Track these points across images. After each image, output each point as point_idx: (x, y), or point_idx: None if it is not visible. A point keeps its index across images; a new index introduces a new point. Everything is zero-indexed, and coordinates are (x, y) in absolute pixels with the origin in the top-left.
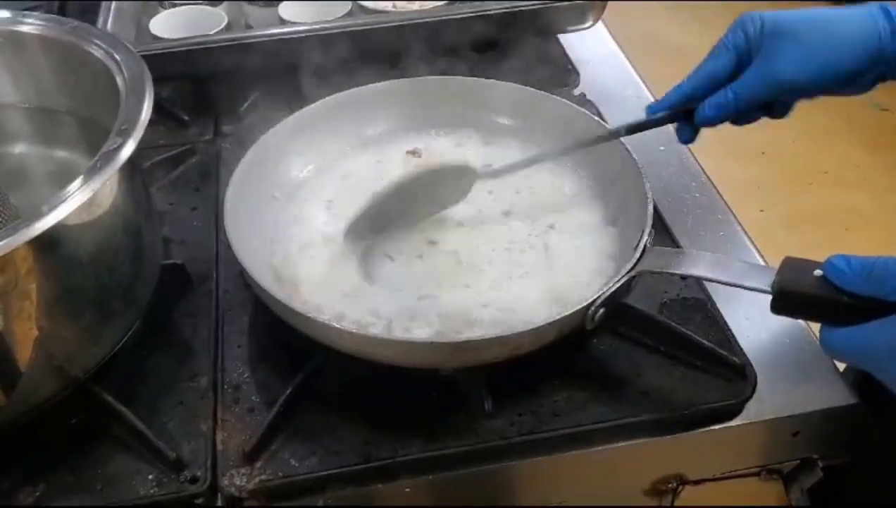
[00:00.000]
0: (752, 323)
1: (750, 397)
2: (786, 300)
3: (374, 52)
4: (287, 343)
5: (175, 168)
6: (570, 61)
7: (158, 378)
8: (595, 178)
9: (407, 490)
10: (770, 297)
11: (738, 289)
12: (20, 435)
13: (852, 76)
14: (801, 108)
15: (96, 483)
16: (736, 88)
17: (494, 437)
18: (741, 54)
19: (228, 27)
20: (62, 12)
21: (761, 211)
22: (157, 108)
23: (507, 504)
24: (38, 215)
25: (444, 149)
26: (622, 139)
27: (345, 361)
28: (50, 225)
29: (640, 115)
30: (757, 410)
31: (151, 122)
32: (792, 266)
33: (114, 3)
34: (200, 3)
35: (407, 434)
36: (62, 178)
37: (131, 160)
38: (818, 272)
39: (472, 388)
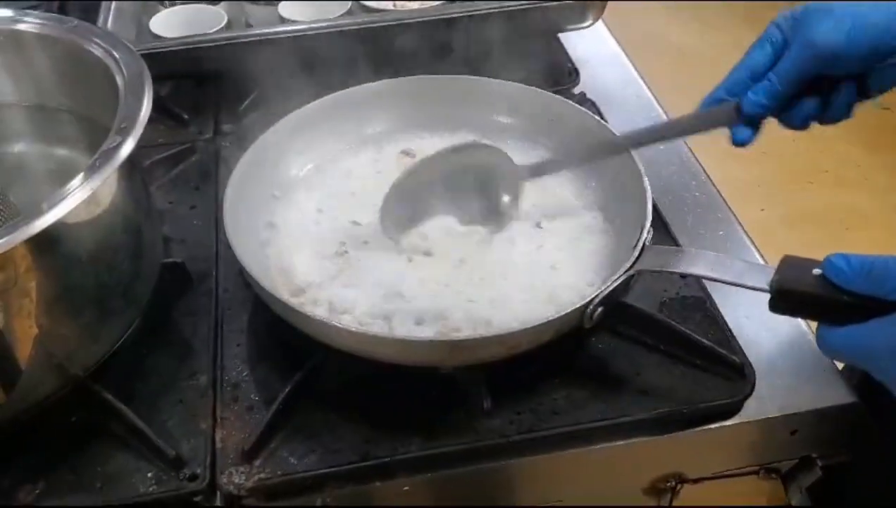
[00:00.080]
0: (752, 322)
1: (749, 395)
2: (784, 299)
3: (374, 51)
4: (286, 342)
5: (175, 167)
6: (570, 60)
7: (158, 377)
8: (594, 176)
9: (406, 488)
10: (769, 296)
11: (737, 288)
12: (20, 433)
13: (887, 45)
14: None
15: (96, 481)
16: (776, 69)
17: (493, 435)
18: (777, 47)
19: (228, 26)
20: (63, 11)
21: (762, 210)
22: (157, 106)
23: (507, 502)
24: (38, 213)
25: (441, 147)
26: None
27: (344, 359)
28: (49, 223)
29: (639, 114)
30: (756, 408)
31: (151, 120)
32: (791, 265)
33: (114, 2)
34: (200, 2)
35: (406, 433)
36: (62, 176)
37: (131, 159)
38: (817, 271)
39: (472, 386)
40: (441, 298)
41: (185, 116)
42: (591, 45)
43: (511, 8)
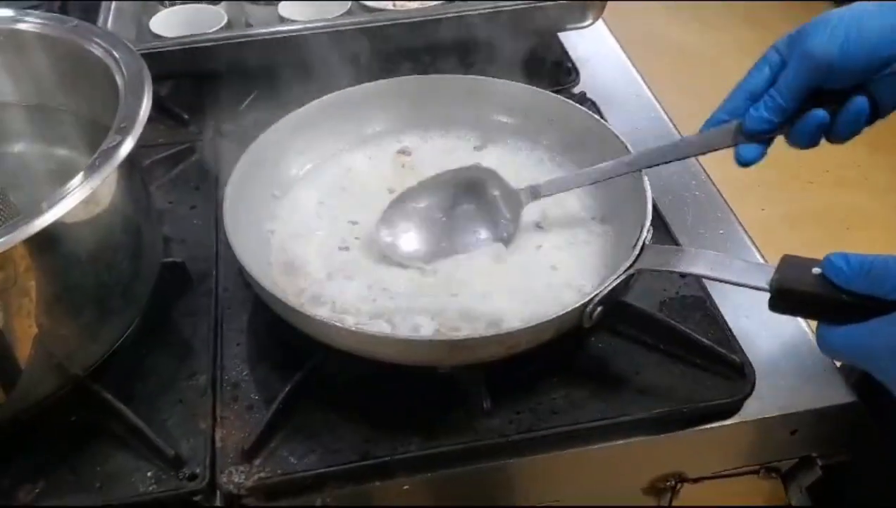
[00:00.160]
0: (752, 321)
1: (749, 395)
2: (784, 298)
3: (374, 51)
4: (286, 342)
5: (175, 166)
6: (570, 60)
7: (158, 376)
8: None
9: (406, 487)
10: (769, 295)
11: (737, 287)
12: (19, 433)
13: (884, 54)
14: None
15: (95, 481)
16: (776, 85)
17: (493, 435)
18: (775, 69)
19: (228, 25)
20: (63, 11)
21: (762, 210)
22: (157, 106)
23: (506, 502)
24: (37, 213)
25: (441, 147)
26: (621, 137)
27: (344, 359)
28: (49, 222)
29: (639, 113)
30: (756, 408)
31: (151, 120)
32: (790, 264)
33: (114, 2)
34: (200, 2)
35: (405, 432)
36: (62, 176)
37: (130, 158)
38: (816, 271)
39: (471, 386)
40: (440, 297)
41: (185, 116)
42: (591, 45)
43: (511, 7)
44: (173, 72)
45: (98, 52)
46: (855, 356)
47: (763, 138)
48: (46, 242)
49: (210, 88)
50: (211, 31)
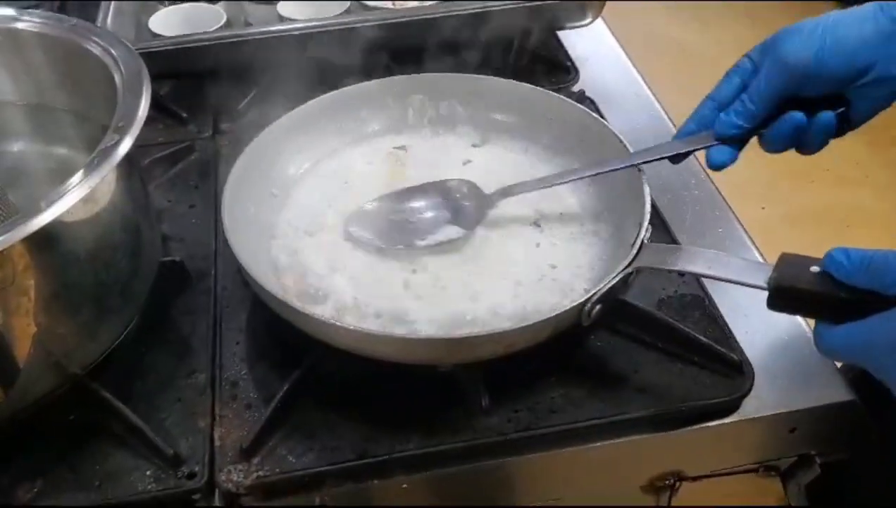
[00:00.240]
0: (750, 320)
1: (747, 393)
2: (782, 297)
3: (373, 50)
4: (285, 340)
5: (174, 165)
6: (569, 58)
7: (156, 375)
8: None
9: (404, 486)
10: (767, 293)
11: (736, 286)
12: (18, 432)
13: (859, 63)
14: None
15: (94, 479)
16: (748, 90)
17: (491, 433)
18: (746, 77)
19: (227, 24)
20: (62, 11)
21: (762, 208)
22: (156, 105)
23: (505, 500)
24: (36, 212)
25: (439, 145)
26: (620, 135)
27: (342, 357)
28: (47, 221)
29: (639, 112)
30: (754, 406)
31: (150, 119)
32: (789, 262)
33: (113, 1)
34: (199, 1)
35: (404, 431)
36: (61, 175)
37: (129, 157)
38: (815, 269)
39: (470, 385)
40: (439, 296)
41: (184, 115)
42: (590, 44)
43: (510, 6)
44: (172, 71)
45: (97, 51)
46: (854, 354)
47: (734, 142)
48: (45, 240)
49: (209, 87)
50: (210, 30)
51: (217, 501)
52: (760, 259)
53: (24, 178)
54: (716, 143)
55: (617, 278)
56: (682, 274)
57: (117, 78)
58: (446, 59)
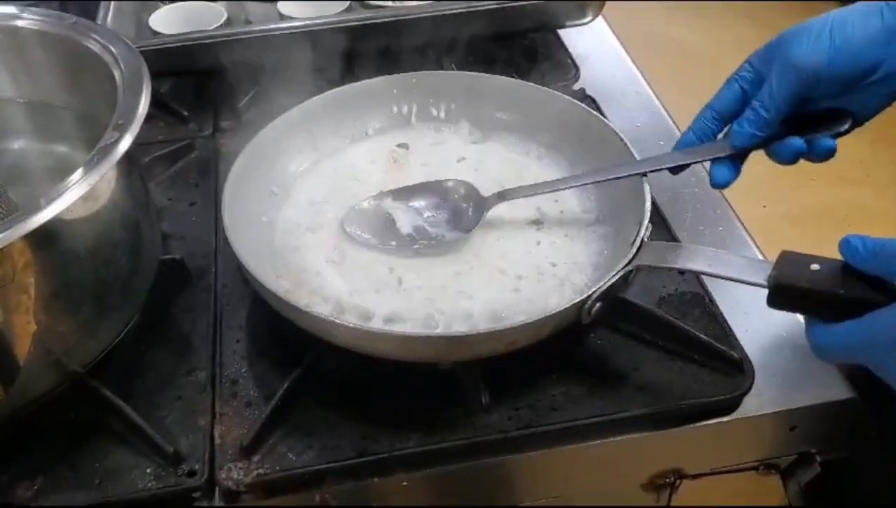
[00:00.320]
0: (750, 318)
1: (748, 391)
2: (782, 294)
3: (373, 48)
4: (285, 338)
5: (174, 163)
6: (569, 56)
7: (157, 373)
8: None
9: (404, 483)
10: (767, 291)
11: (736, 283)
12: (18, 430)
13: (867, 62)
14: None
15: (94, 477)
16: (760, 96)
17: (492, 431)
18: (748, 86)
19: (228, 23)
20: (63, 9)
21: (764, 207)
22: (157, 103)
23: (505, 498)
24: (36, 209)
25: (440, 143)
26: (621, 134)
27: (342, 355)
28: (47, 219)
29: (639, 111)
30: (755, 404)
31: (151, 117)
32: (789, 260)
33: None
34: None
35: (404, 429)
36: (61, 173)
37: (129, 155)
38: (815, 266)
39: (470, 382)
40: (439, 294)
41: (185, 113)
42: (591, 42)
43: (511, 4)
44: (172, 69)
45: (97, 48)
46: (854, 352)
47: (743, 157)
48: (45, 238)
49: (209, 85)
50: (210, 28)
51: (217, 499)
52: (761, 257)
53: (24, 175)
54: (719, 154)
55: (617, 276)
56: (682, 272)
57: (117, 76)
58: (446, 57)
